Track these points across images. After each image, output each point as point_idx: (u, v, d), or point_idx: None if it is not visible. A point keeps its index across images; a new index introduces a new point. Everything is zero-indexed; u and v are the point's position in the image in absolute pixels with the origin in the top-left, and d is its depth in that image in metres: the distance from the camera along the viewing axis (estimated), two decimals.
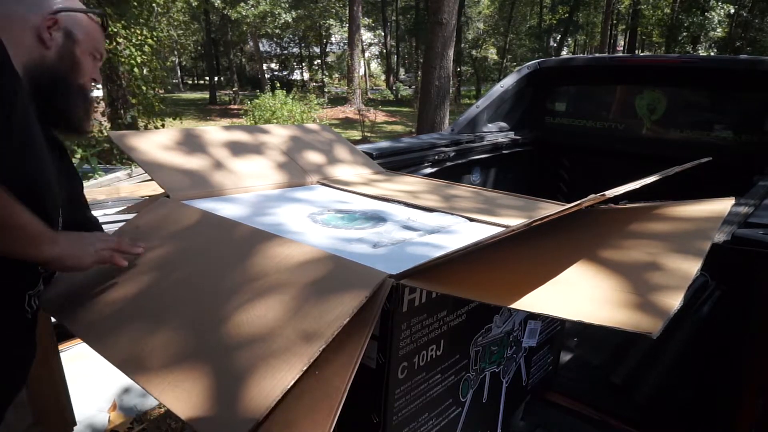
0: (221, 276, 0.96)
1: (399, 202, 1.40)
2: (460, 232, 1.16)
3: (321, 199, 1.41)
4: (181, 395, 0.75)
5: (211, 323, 0.86)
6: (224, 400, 0.73)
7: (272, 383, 0.73)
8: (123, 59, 6.94)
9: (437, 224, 1.21)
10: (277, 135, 1.72)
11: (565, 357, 1.77)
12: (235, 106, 17.71)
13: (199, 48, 24.05)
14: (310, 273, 0.89)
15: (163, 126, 7.60)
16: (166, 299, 0.95)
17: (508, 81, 2.98)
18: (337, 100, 17.80)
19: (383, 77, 30.40)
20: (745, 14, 17.49)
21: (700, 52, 17.13)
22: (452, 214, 1.29)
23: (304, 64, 28.70)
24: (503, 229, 1.10)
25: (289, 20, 18.34)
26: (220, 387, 0.76)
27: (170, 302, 0.94)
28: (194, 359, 0.81)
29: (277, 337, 0.79)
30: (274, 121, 9.08)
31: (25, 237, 0.81)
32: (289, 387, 0.72)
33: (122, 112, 7.52)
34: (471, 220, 1.26)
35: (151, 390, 0.78)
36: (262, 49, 24.04)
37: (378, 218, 1.25)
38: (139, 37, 7.07)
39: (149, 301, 0.96)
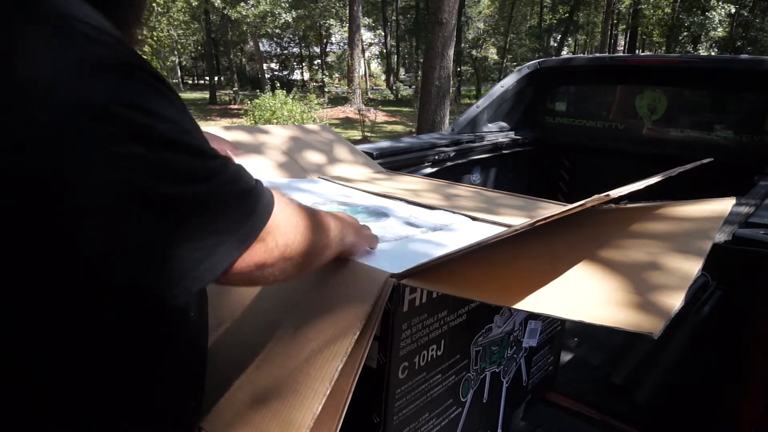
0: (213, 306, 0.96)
1: (401, 199, 1.40)
2: (462, 231, 1.16)
3: (324, 192, 1.41)
4: None
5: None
6: None
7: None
8: None
9: (439, 222, 1.21)
10: (278, 135, 1.72)
11: (566, 357, 1.77)
12: (235, 106, 17.72)
13: (199, 48, 24.07)
14: (309, 282, 0.89)
15: None
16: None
17: (509, 81, 2.98)
18: (337, 100, 17.81)
19: (383, 77, 30.42)
20: (745, 14, 17.49)
21: (700, 51, 17.13)
22: (454, 213, 1.29)
23: (304, 64, 28.71)
24: (504, 228, 1.10)
25: (289, 20, 18.35)
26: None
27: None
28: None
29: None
30: (274, 121, 9.09)
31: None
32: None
33: None
34: (473, 219, 1.26)
35: None
36: (262, 48, 24.04)
37: (380, 213, 1.25)
38: (140, 37, 7.06)
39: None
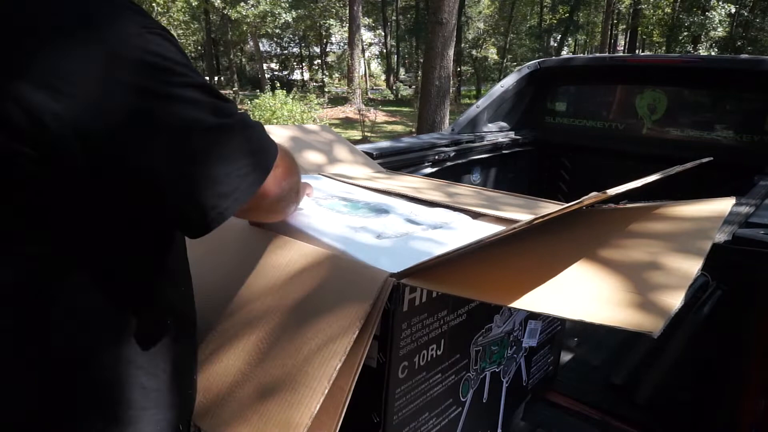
0: (211, 305, 0.95)
1: (402, 195, 1.40)
2: (463, 229, 1.16)
3: (325, 188, 1.41)
4: None
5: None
6: None
7: None
8: None
9: (440, 220, 1.21)
10: (277, 135, 1.71)
11: (565, 357, 1.77)
12: None
13: (199, 48, 24.05)
14: (309, 282, 0.89)
15: None
16: None
17: (509, 81, 2.98)
18: (337, 100, 17.79)
19: (383, 77, 30.40)
20: (745, 14, 17.50)
21: (700, 51, 17.13)
22: (455, 210, 1.29)
23: (304, 64, 28.72)
24: (504, 227, 1.10)
25: (289, 20, 18.34)
26: None
27: None
28: None
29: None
30: (274, 121, 9.08)
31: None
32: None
33: None
34: (474, 217, 1.26)
35: None
36: (262, 48, 24.03)
37: (381, 210, 1.25)
38: None
39: None
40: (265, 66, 24.15)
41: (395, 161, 2.17)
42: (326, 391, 0.73)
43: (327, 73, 23.65)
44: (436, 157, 2.40)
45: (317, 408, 0.72)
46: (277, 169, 0.66)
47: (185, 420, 0.75)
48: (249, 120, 0.63)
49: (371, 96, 19.80)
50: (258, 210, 0.71)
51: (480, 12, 24.98)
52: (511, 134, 3.00)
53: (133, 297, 0.63)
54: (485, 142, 2.76)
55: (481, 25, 25.17)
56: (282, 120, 9.18)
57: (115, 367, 0.61)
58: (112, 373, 0.61)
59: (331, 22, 21.81)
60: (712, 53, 17.09)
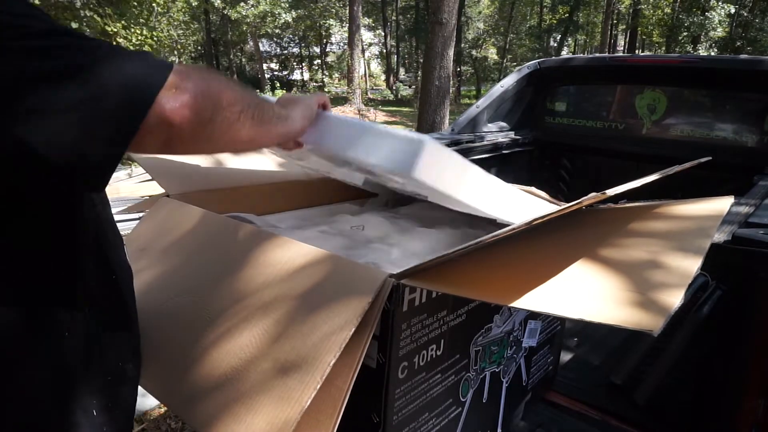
0: (209, 301, 0.95)
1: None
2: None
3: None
4: None
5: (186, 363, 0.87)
6: None
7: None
8: None
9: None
10: None
11: (565, 357, 1.77)
12: None
13: (199, 48, 24.04)
14: (308, 280, 0.89)
15: None
16: (155, 336, 0.96)
17: (508, 81, 2.98)
18: (337, 100, 17.78)
19: (383, 77, 30.40)
20: (745, 14, 17.50)
21: (700, 51, 17.13)
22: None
23: (304, 64, 28.71)
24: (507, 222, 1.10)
25: (289, 20, 18.35)
26: None
27: (157, 340, 0.94)
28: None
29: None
30: None
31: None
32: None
33: None
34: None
35: None
36: (262, 49, 24.04)
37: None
38: (139, 37, 7.09)
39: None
40: (265, 66, 24.15)
41: None
42: (318, 386, 0.72)
43: (327, 73, 23.67)
44: None
45: (308, 403, 0.71)
46: (181, 94, 0.58)
47: (115, 415, 0.75)
48: (118, 52, 0.57)
49: (371, 96, 19.81)
50: (184, 139, 0.61)
51: (480, 12, 25.00)
52: (511, 134, 3.00)
53: (30, 293, 0.63)
54: (485, 142, 2.76)
55: (481, 25, 25.18)
56: None
57: (17, 362, 0.62)
58: (12, 369, 0.62)
59: (331, 22, 21.81)
60: (712, 53, 17.09)
